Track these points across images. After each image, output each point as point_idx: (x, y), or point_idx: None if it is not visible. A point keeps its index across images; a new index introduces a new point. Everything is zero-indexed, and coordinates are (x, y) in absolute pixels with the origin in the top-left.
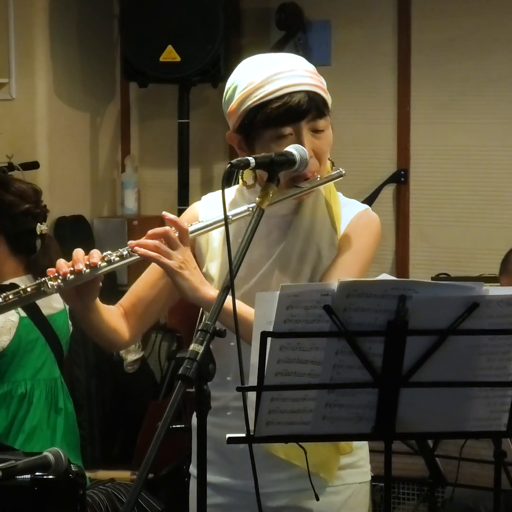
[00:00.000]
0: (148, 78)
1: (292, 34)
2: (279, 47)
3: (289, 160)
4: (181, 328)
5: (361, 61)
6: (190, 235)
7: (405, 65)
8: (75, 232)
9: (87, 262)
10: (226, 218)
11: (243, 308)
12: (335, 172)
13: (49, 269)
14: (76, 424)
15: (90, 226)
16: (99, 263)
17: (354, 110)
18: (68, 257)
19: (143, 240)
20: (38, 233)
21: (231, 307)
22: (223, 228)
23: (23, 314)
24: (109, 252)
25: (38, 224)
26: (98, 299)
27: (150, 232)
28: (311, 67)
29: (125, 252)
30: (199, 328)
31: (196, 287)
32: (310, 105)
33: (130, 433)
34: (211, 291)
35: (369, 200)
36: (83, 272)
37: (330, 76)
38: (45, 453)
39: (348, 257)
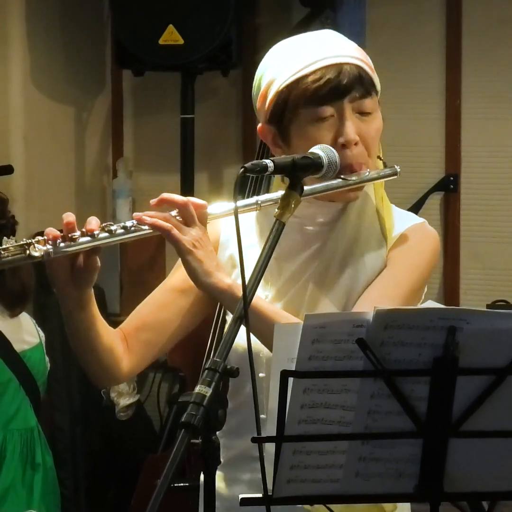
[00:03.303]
0: (145, 65)
1: (318, 11)
2: (302, 28)
3: (314, 163)
4: (184, 367)
5: (402, 45)
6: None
7: (455, 50)
8: None
9: (83, 230)
10: (239, 242)
11: (266, 305)
12: (388, 169)
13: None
14: (57, 481)
15: None
16: (97, 232)
17: (393, 104)
18: (48, 290)
19: (151, 212)
20: None
21: (257, 307)
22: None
23: None
24: (110, 222)
25: (5, 238)
26: (93, 297)
27: (163, 195)
28: (355, 44)
29: (130, 224)
30: (207, 367)
31: (210, 272)
32: (354, 81)
33: (123, 492)
34: (227, 279)
35: (412, 212)
36: (77, 240)
37: None
38: None
39: (398, 272)
